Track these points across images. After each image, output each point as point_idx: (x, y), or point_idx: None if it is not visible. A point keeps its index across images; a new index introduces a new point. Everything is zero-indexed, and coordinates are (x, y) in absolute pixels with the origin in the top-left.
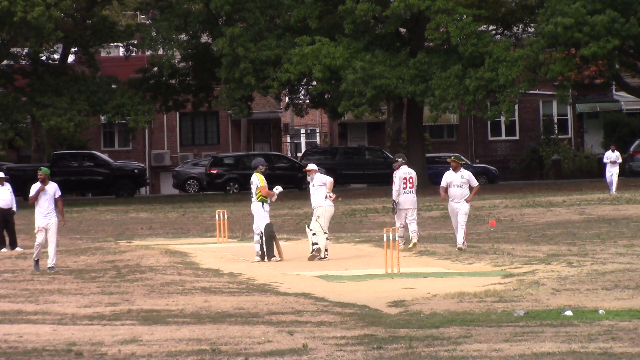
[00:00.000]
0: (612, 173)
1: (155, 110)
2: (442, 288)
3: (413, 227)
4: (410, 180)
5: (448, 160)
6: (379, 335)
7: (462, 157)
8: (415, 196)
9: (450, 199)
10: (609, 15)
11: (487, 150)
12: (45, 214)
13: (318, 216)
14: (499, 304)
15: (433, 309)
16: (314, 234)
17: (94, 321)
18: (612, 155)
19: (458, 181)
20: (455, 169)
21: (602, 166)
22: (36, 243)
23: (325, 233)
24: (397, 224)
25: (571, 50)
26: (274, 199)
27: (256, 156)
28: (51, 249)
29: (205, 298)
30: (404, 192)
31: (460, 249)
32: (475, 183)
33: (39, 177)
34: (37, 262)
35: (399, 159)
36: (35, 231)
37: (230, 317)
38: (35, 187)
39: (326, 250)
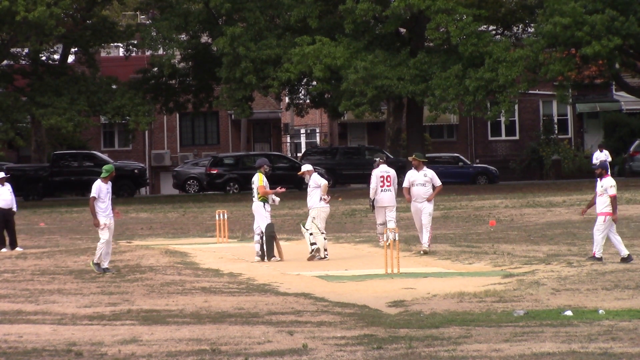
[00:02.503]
0: None
1: (156, 112)
2: (442, 288)
3: (391, 225)
4: (388, 179)
5: (409, 159)
6: (379, 335)
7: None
8: (394, 194)
9: (413, 199)
10: (609, 15)
11: (487, 150)
12: (107, 212)
13: (314, 217)
14: (499, 304)
15: (433, 309)
16: (310, 234)
17: (94, 321)
18: (600, 156)
19: (421, 180)
20: (418, 168)
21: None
22: (101, 243)
23: (322, 233)
24: (378, 221)
25: (571, 50)
26: (275, 198)
27: (257, 156)
28: (109, 248)
29: (205, 298)
30: (382, 190)
31: (425, 252)
32: (438, 182)
33: (112, 175)
34: (99, 265)
35: (377, 159)
36: (101, 228)
37: (230, 317)
38: (97, 186)
39: (325, 249)
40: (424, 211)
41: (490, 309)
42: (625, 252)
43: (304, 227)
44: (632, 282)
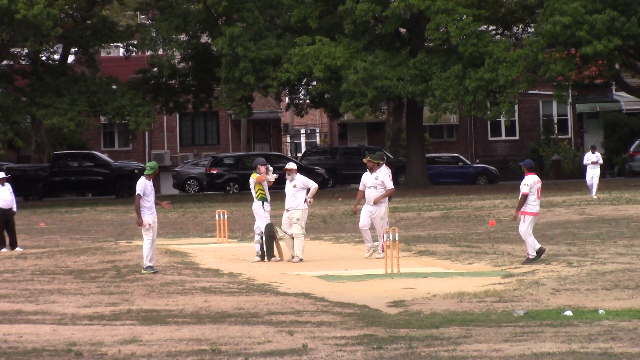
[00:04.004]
0: (593, 175)
1: (156, 112)
2: (442, 288)
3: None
4: None
5: (364, 160)
6: (379, 335)
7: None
8: None
9: (366, 201)
10: (609, 15)
11: (487, 150)
12: (152, 211)
13: (298, 219)
14: (499, 304)
15: (433, 309)
16: (299, 237)
17: (94, 321)
18: (592, 157)
19: (372, 182)
20: (372, 170)
21: (600, 166)
22: (147, 244)
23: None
24: (386, 219)
25: (571, 50)
26: (270, 177)
27: (257, 156)
28: (153, 248)
29: (205, 298)
30: None
31: (367, 257)
32: (389, 185)
33: (157, 172)
34: (151, 267)
35: (385, 158)
36: (147, 229)
37: (230, 317)
38: (143, 183)
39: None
40: (375, 216)
41: (490, 309)
42: (533, 253)
43: (299, 232)
44: (632, 282)
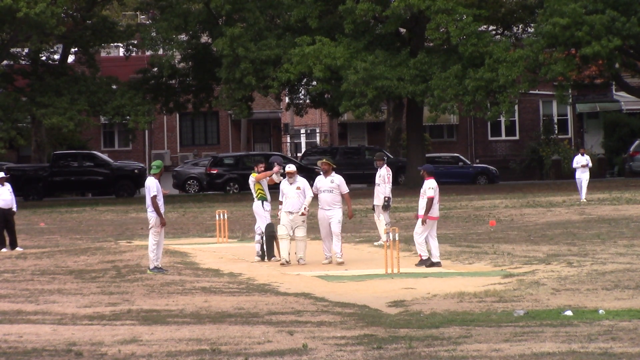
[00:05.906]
0: (582, 178)
1: (156, 112)
2: (442, 288)
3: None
4: None
5: (318, 163)
6: (379, 335)
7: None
8: None
9: (319, 206)
10: (609, 15)
11: (487, 150)
12: (163, 210)
13: (304, 220)
14: (499, 304)
15: (433, 309)
16: (304, 239)
17: (94, 321)
18: (582, 160)
19: (327, 186)
20: (326, 173)
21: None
22: (154, 244)
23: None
24: (387, 219)
25: (571, 50)
26: (275, 178)
27: (257, 156)
28: (160, 249)
29: (205, 298)
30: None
31: (339, 263)
32: (345, 190)
33: (162, 171)
34: (160, 268)
35: (385, 158)
36: (160, 229)
37: (230, 317)
38: (155, 183)
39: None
40: (333, 219)
41: (490, 309)
42: (437, 258)
43: (305, 234)
44: (632, 282)
